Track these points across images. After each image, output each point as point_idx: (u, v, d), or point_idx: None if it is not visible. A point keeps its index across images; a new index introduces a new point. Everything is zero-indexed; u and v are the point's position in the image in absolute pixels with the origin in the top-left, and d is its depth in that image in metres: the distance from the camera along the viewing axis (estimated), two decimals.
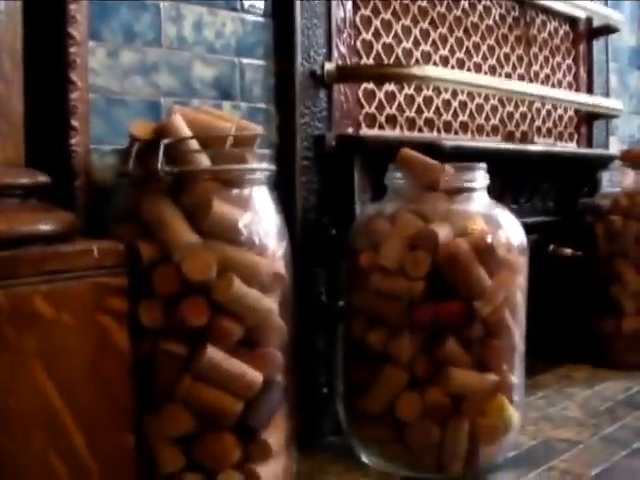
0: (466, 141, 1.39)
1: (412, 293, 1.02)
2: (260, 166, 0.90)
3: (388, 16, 1.32)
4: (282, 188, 1.12)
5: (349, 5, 1.24)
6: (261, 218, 0.90)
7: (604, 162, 1.70)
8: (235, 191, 0.89)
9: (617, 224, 1.59)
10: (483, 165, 1.09)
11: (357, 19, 1.26)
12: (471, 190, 1.08)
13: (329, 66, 1.19)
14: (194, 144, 0.87)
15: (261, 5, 1.13)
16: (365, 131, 1.26)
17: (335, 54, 1.21)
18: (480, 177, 1.09)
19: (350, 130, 1.23)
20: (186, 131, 0.87)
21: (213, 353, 0.84)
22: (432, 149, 1.18)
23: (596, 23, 1.82)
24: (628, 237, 1.58)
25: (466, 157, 1.18)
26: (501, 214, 1.10)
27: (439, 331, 1.03)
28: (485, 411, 1.05)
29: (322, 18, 1.18)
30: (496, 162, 1.29)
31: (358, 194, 1.18)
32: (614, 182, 1.64)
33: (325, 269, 1.18)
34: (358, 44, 1.26)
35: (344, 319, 1.12)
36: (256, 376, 0.87)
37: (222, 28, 1.09)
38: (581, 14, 1.76)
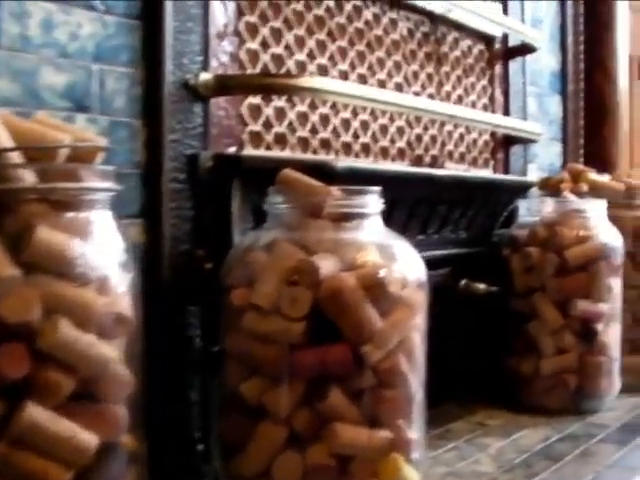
0: (364, 163, 1.25)
1: (290, 336, 0.88)
2: (100, 185, 0.75)
3: (278, 24, 1.18)
4: (148, 215, 0.98)
5: (232, 9, 1.10)
6: (101, 248, 0.75)
7: (521, 190, 1.58)
8: (69, 215, 0.73)
9: (534, 256, 1.46)
10: (376, 188, 0.95)
11: (241, 26, 1.12)
12: (362, 217, 0.94)
13: (205, 76, 1.04)
14: (17, 157, 0.72)
15: None
16: (249, 151, 1.12)
17: (214, 63, 1.07)
18: (373, 202, 0.95)
19: (231, 150, 1.09)
20: (7, 141, 0.72)
21: (35, 412, 0.69)
22: (321, 171, 1.04)
23: (513, 42, 1.71)
24: (546, 270, 1.45)
25: (363, 181, 1.04)
26: (397, 244, 0.96)
27: (322, 380, 0.88)
28: (377, 473, 0.90)
29: (198, 22, 1.04)
30: (400, 188, 1.16)
31: (237, 222, 1.04)
32: (532, 211, 1.51)
33: (200, 308, 1.03)
34: (242, 54, 1.12)
35: (219, 366, 0.97)
36: (89, 439, 0.71)
37: (77, 29, 0.94)
38: (497, 32, 1.64)
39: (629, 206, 1.69)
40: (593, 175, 1.73)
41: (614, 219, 1.56)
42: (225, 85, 1.06)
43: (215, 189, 1.04)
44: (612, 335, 1.51)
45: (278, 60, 1.18)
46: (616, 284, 1.51)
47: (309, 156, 1.20)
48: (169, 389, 1.01)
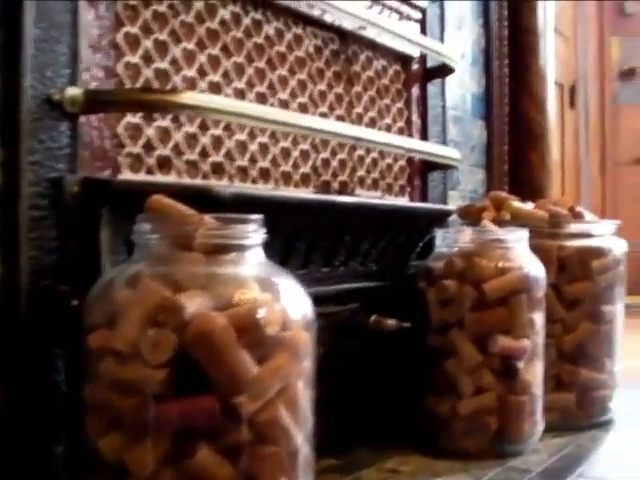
0: (257, 189, 1.14)
1: (151, 385, 0.77)
2: None
3: (164, 37, 1.08)
4: (4, 245, 0.87)
5: (108, 19, 0.99)
6: None
7: (439, 219, 1.48)
8: None
9: (451, 289, 1.36)
10: (256, 217, 0.85)
11: (120, 37, 1.02)
12: (240, 249, 0.83)
13: (73, 91, 0.93)
14: None
15: None
16: (127, 175, 1.01)
17: (85, 77, 0.96)
18: (252, 232, 0.84)
19: (105, 174, 0.98)
20: None
21: None
22: (205, 198, 0.93)
23: (432, 63, 1.62)
24: (463, 304, 1.36)
25: (255, 210, 0.93)
26: (280, 280, 0.85)
27: (189, 436, 0.77)
28: None
29: (65, 30, 0.93)
30: (300, 217, 1.06)
31: (107, 254, 0.92)
32: (449, 241, 1.41)
33: (65, 350, 0.92)
34: (120, 68, 1.01)
35: (81, 417, 0.85)
36: None
37: None
38: (414, 52, 1.55)
39: (553, 235, 1.61)
40: (516, 203, 1.64)
41: (537, 249, 1.47)
42: (96, 101, 0.95)
43: (83, 217, 0.92)
44: (534, 372, 1.42)
45: (163, 76, 1.07)
46: (538, 318, 1.42)
47: (193, 182, 1.09)
48: (30, 441, 0.89)
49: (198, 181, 1.10)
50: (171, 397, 0.77)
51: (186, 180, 1.08)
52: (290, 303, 0.83)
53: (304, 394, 0.84)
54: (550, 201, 1.70)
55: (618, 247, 1.66)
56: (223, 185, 1.10)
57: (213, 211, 0.85)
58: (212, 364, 0.77)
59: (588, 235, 1.62)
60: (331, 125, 1.24)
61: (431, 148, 1.51)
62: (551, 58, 2.07)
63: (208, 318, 0.77)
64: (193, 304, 0.77)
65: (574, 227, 1.61)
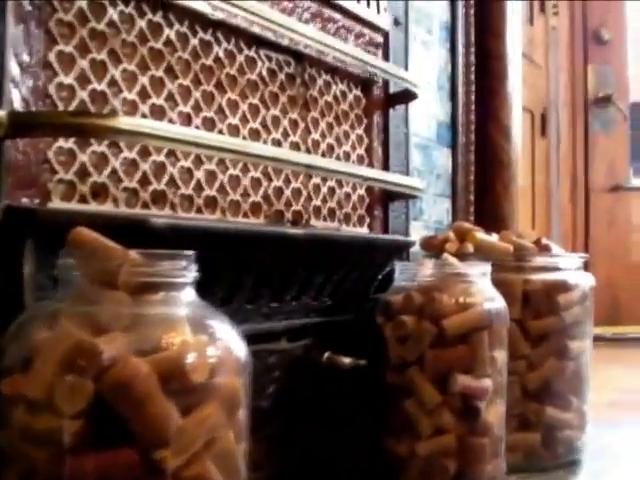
0: (197, 220, 1.07)
1: (65, 437, 0.69)
2: None
3: (102, 56, 1.01)
4: None
5: (38, 36, 0.93)
6: None
7: (399, 250, 1.42)
8: None
9: (409, 325, 1.30)
10: (189, 253, 0.78)
11: (52, 56, 0.95)
12: (169, 288, 0.77)
13: None
14: None
15: None
16: (57, 204, 0.94)
17: (13, 98, 0.89)
18: (184, 269, 0.77)
19: (33, 202, 0.91)
20: None
21: None
22: (138, 230, 0.87)
23: (395, 89, 1.56)
24: (422, 341, 1.29)
25: (193, 242, 0.87)
26: (212, 321, 0.79)
27: None
28: None
29: None
30: (246, 249, 0.99)
31: (30, 290, 0.85)
32: (408, 275, 1.35)
33: None
34: (51, 89, 0.95)
35: None
36: None
37: None
38: (376, 75, 1.49)
39: (518, 269, 1.56)
40: (480, 234, 1.59)
41: (502, 283, 1.42)
42: (21, 124, 0.88)
43: (5, 248, 0.85)
44: (496, 413, 1.36)
45: (100, 98, 1.00)
46: (501, 356, 1.36)
47: (131, 211, 1.02)
48: None
49: (137, 211, 1.03)
50: (88, 450, 0.70)
51: (123, 210, 1.01)
52: (222, 347, 0.77)
53: (236, 446, 0.77)
54: (515, 233, 1.65)
55: (585, 281, 1.62)
56: (159, 215, 1.02)
57: (148, 244, 0.79)
58: (132, 414, 0.70)
59: (554, 269, 1.57)
60: (280, 152, 1.18)
61: (391, 177, 1.44)
62: (519, 85, 2.02)
63: (128, 364, 0.70)
64: (113, 348, 0.71)
65: (540, 260, 1.56)
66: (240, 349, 0.78)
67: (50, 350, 0.72)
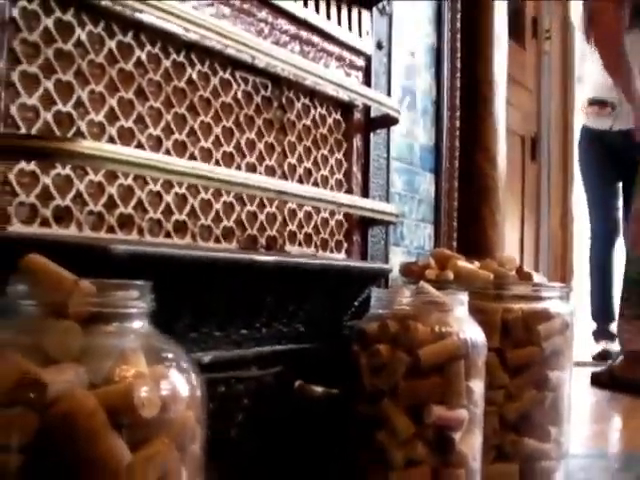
0: (159, 246, 1.04)
1: (4, 474, 0.67)
2: None
3: (69, 77, 0.99)
4: None
5: (0, 55, 0.91)
6: None
7: (375, 277, 1.39)
8: None
9: (383, 354, 1.27)
10: (143, 283, 0.76)
11: (15, 76, 0.93)
12: (122, 318, 0.74)
13: None
14: None
15: None
16: (17, 228, 0.91)
17: None
18: (137, 299, 0.75)
19: None
20: None
21: None
22: (98, 256, 0.84)
23: (376, 113, 1.54)
24: (397, 371, 1.27)
25: (156, 268, 0.85)
26: (166, 353, 0.76)
27: None
28: None
29: None
30: (213, 276, 0.97)
31: None
32: (384, 302, 1.33)
33: None
34: (14, 110, 0.93)
35: None
36: None
37: None
38: (356, 99, 1.48)
39: (498, 297, 1.53)
40: (461, 262, 1.56)
41: (481, 312, 1.39)
42: None
43: None
44: (472, 444, 1.32)
45: (66, 120, 0.98)
46: (477, 386, 1.33)
47: (96, 236, 1.00)
48: None
49: (102, 235, 1.01)
50: None
51: (88, 234, 0.99)
52: (176, 379, 0.74)
53: None
54: (496, 261, 1.62)
55: (567, 310, 1.59)
56: (123, 241, 1.00)
57: (109, 271, 0.77)
58: (78, 450, 0.67)
59: (535, 298, 1.55)
60: (250, 178, 1.15)
61: (366, 203, 1.42)
62: (504, 110, 2.01)
63: (75, 398, 0.68)
64: (60, 380, 0.68)
65: (520, 289, 1.54)
66: (195, 381, 0.76)
67: None
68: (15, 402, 0.67)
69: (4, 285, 0.78)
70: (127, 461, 0.69)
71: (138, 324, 0.76)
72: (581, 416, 1.79)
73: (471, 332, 1.33)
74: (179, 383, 0.75)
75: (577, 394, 1.67)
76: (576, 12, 3.92)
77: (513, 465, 1.53)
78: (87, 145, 0.91)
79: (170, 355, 0.76)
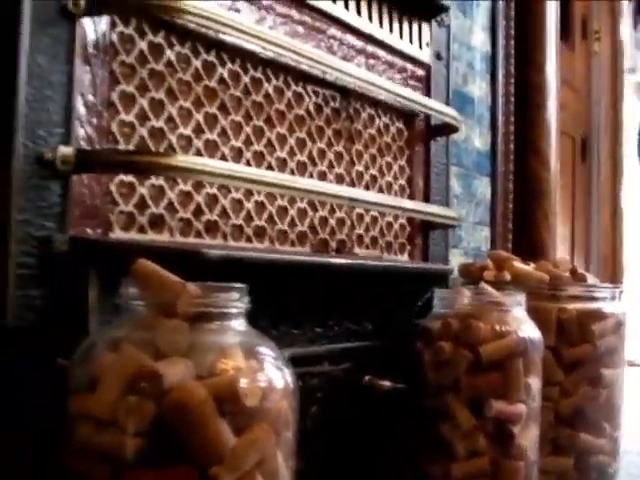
0: (248, 251, 1.13)
1: (126, 453, 0.76)
2: None
3: (160, 95, 1.08)
4: None
5: (103, 77, 0.99)
6: None
7: (438, 278, 1.47)
8: None
9: (446, 351, 1.35)
10: (241, 286, 0.84)
11: (114, 96, 1.02)
12: (223, 317, 0.83)
13: (65, 150, 0.93)
14: None
15: None
16: (118, 234, 1.00)
17: (79, 135, 0.96)
18: (236, 300, 0.84)
19: (97, 232, 0.97)
20: None
21: None
22: (194, 261, 0.93)
23: (435, 121, 1.62)
24: (459, 367, 1.34)
25: (243, 271, 0.93)
26: (262, 349, 0.85)
27: None
28: None
29: (60, 89, 0.94)
30: (292, 278, 1.05)
31: (94, 314, 0.92)
32: (446, 302, 1.40)
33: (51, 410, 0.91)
34: (114, 126, 1.02)
35: None
36: None
37: None
38: (418, 109, 1.55)
39: (553, 297, 1.60)
40: (517, 263, 1.63)
41: (537, 311, 1.46)
42: (87, 161, 0.95)
43: (71, 276, 0.92)
44: (529, 437, 1.39)
45: (158, 134, 1.07)
46: (535, 382, 1.40)
47: (185, 241, 1.09)
48: None
49: (191, 240, 1.10)
50: (147, 466, 0.76)
51: (178, 239, 1.08)
52: (272, 373, 0.83)
53: (284, 465, 0.82)
54: (551, 262, 1.69)
55: (619, 310, 1.65)
56: (212, 246, 1.09)
57: (201, 273, 0.85)
58: (190, 434, 0.76)
59: (589, 298, 1.61)
60: (325, 187, 1.24)
61: (429, 208, 1.50)
62: (556, 114, 2.07)
63: (187, 388, 0.76)
64: (173, 373, 0.77)
65: (574, 290, 1.60)
66: (288, 374, 0.84)
67: (115, 373, 0.78)
68: (135, 391, 0.76)
69: (115, 285, 0.86)
70: (232, 445, 0.77)
71: (236, 323, 0.84)
72: (635, 414, 1.84)
73: (529, 331, 1.40)
74: (274, 375, 0.83)
75: (631, 393, 1.72)
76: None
77: (568, 459, 1.59)
78: (181, 159, 1.00)
79: (265, 350, 0.84)
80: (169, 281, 0.81)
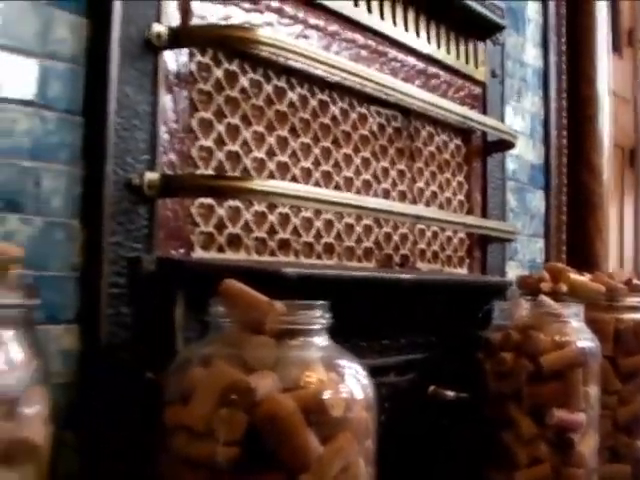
0: (321, 268, 1.18)
1: (222, 462, 0.81)
2: (9, 302, 0.70)
3: (236, 120, 1.14)
4: (84, 320, 0.92)
5: (184, 106, 1.05)
6: (5, 369, 0.68)
7: (497, 290, 1.51)
8: None
9: (508, 362, 1.39)
10: (323, 303, 0.89)
11: (194, 122, 1.08)
12: (307, 333, 0.88)
13: (151, 176, 0.99)
14: None
15: None
16: (199, 254, 1.06)
17: (162, 161, 1.02)
18: (319, 317, 0.89)
19: (179, 252, 1.03)
20: None
21: None
22: (273, 279, 0.98)
23: (492, 137, 1.66)
24: (520, 377, 1.38)
25: (318, 287, 0.98)
26: (344, 362, 0.90)
27: None
28: None
29: (145, 119, 0.99)
30: (361, 292, 1.10)
31: (180, 330, 0.97)
32: (506, 314, 1.44)
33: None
34: (194, 151, 1.07)
35: None
36: None
37: (12, 125, 0.89)
38: (475, 126, 1.60)
39: (610, 308, 1.63)
40: (573, 275, 1.67)
41: (594, 321, 1.50)
42: (171, 186, 1.00)
43: (158, 294, 0.98)
44: (589, 445, 1.43)
45: (234, 158, 1.13)
46: (594, 391, 1.43)
47: (261, 259, 1.14)
48: None
49: (266, 258, 1.15)
50: (240, 474, 0.81)
51: (254, 257, 1.13)
52: (353, 384, 0.88)
53: (365, 472, 0.87)
54: (607, 274, 1.72)
55: None
56: (290, 264, 1.14)
57: (281, 289, 0.90)
58: (280, 443, 0.81)
59: None
60: (391, 205, 1.29)
61: (488, 223, 1.55)
62: (609, 127, 2.10)
63: (277, 400, 0.81)
64: (263, 386, 0.82)
65: (630, 300, 1.63)
66: (368, 387, 0.89)
67: (208, 386, 0.84)
68: (228, 403, 0.81)
69: (201, 303, 0.92)
70: (319, 453, 0.82)
71: (319, 338, 0.89)
72: None
73: (587, 341, 1.43)
74: (355, 388, 0.88)
75: None
76: None
77: (626, 466, 1.62)
78: (258, 183, 1.05)
79: (347, 364, 0.90)
80: (256, 300, 0.87)
